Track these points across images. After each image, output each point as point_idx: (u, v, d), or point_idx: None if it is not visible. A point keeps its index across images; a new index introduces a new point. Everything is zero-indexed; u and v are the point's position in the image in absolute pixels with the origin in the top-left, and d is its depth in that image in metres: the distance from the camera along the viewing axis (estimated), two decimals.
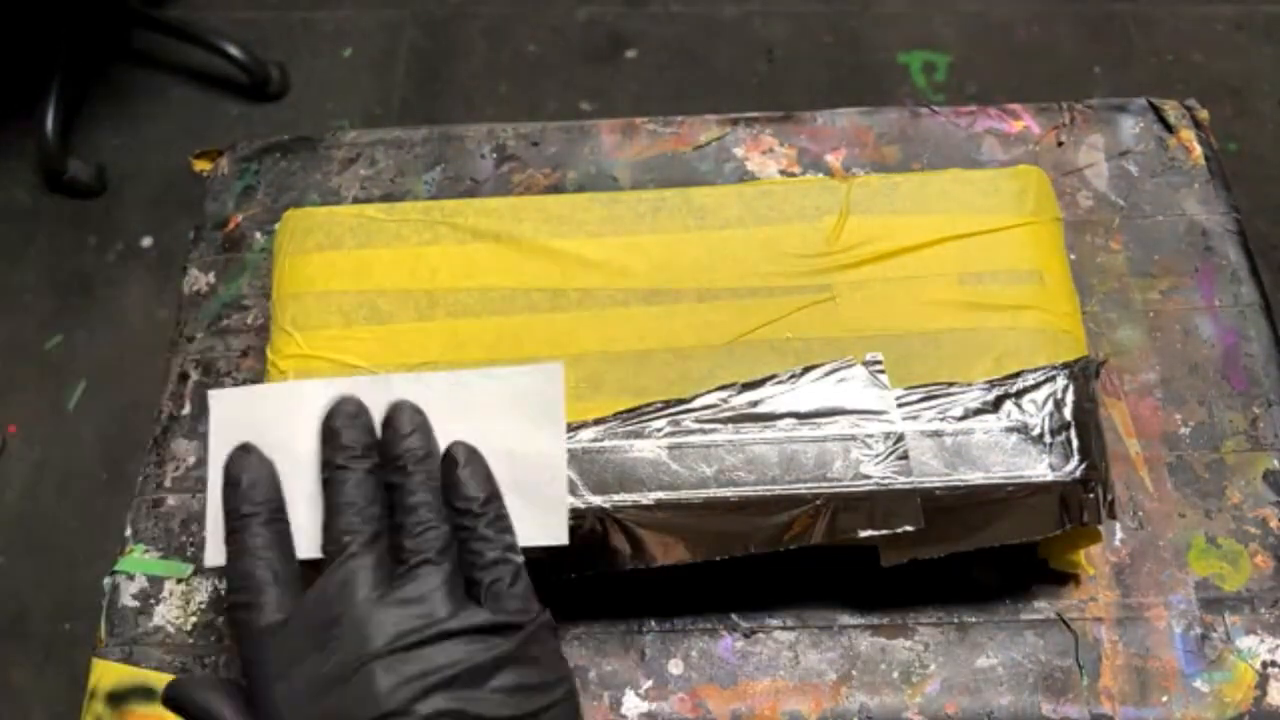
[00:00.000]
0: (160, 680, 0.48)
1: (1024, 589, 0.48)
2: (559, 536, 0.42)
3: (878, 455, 0.44)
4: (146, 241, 1.46)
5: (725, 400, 0.46)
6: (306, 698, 0.34)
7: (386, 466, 0.39)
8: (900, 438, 0.44)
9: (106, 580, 0.51)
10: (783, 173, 0.59)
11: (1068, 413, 0.45)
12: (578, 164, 0.61)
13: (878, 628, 0.48)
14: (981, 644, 0.48)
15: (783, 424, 0.45)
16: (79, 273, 1.44)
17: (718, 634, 0.48)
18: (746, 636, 0.48)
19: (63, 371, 1.37)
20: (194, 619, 0.50)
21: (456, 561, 0.37)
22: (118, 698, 0.48)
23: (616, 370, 0.47)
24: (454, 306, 0.49)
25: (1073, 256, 0.55)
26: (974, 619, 0.48)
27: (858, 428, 0.44)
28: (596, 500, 0.44)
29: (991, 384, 0.45)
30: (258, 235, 0.59)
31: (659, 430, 0.45)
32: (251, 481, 0.39)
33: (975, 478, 0.44)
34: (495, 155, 0.61)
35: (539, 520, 0.42)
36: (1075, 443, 0.44)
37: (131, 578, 0.51)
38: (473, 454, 0.40)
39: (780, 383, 0.46)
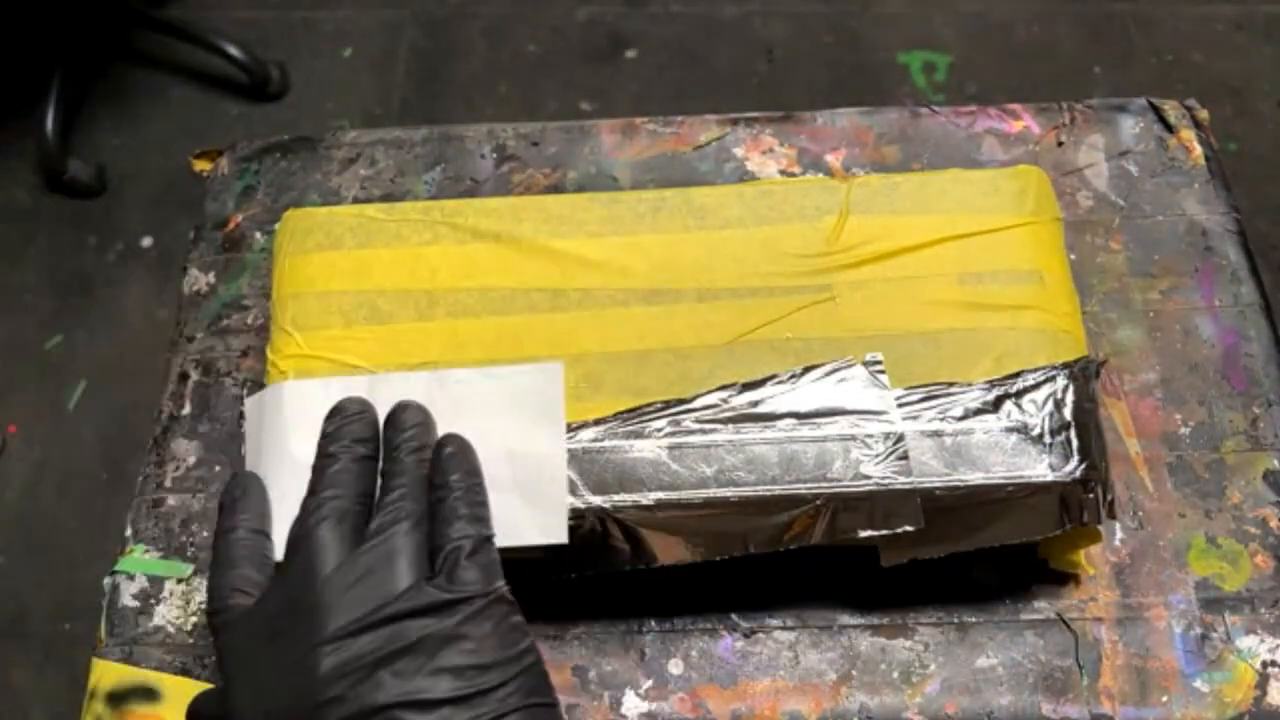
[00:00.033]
0: (160, 680, 0.48)
1: (1024, 589, 0.48)
2: (559, 536, 0.42)
3: (878, 455, 0.44)
4: (146, 241, 1.46)
5: (725, 400, 0.46)
6: (258, 688, 0.35)
7: (383, 459, 0.40)
8: (900, 438, 0.44)
9: (106, 580, 0.51)
10: (783, 173, 0.59)
11: (1068, 413, 0.45)
12: (578, 164, 0.61)
13: (878, 628, 0.48)
14: (981, 644, 0.48)
15: (783, 424, 0.45)
16: (79, 273, 1.44)
17: (718, 634, 0.48)
18: (746, 636, 0.48)
19: (63, 371, 1.37)
20: (194, 619, 0.50)
21: (425, 541, 0.37)
22: (118, 698, 0.48)
23: (616, 370, 0.47)
24: (454, 306, 0.49)
25: (1073, 256, 0.55)
26: (974, 619, 0.48)
27: (858, 428, 0.44)
28: (596, 500, 0.44)
29: (991, 384, 0.45)
30: (258, 235, 0.59)
31: (659, 430, 0.45)
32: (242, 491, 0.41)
33: (975, 478, 0.44)
34: (495, 155, 0.61)
35: (539, 520, 0.42)
36: (1075, 443, 0.44)
37: (131, 578, 0.51)
38: (462, 443, 0.41)
39: (780, 383, 0.46)
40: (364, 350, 0.48)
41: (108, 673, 0.48)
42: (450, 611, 0.35)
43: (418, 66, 1.56)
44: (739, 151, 0.60)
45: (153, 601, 0.50)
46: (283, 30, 1.60)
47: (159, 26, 1.54)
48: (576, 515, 0.43)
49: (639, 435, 0.45)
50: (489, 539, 0.38)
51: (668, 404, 0.46)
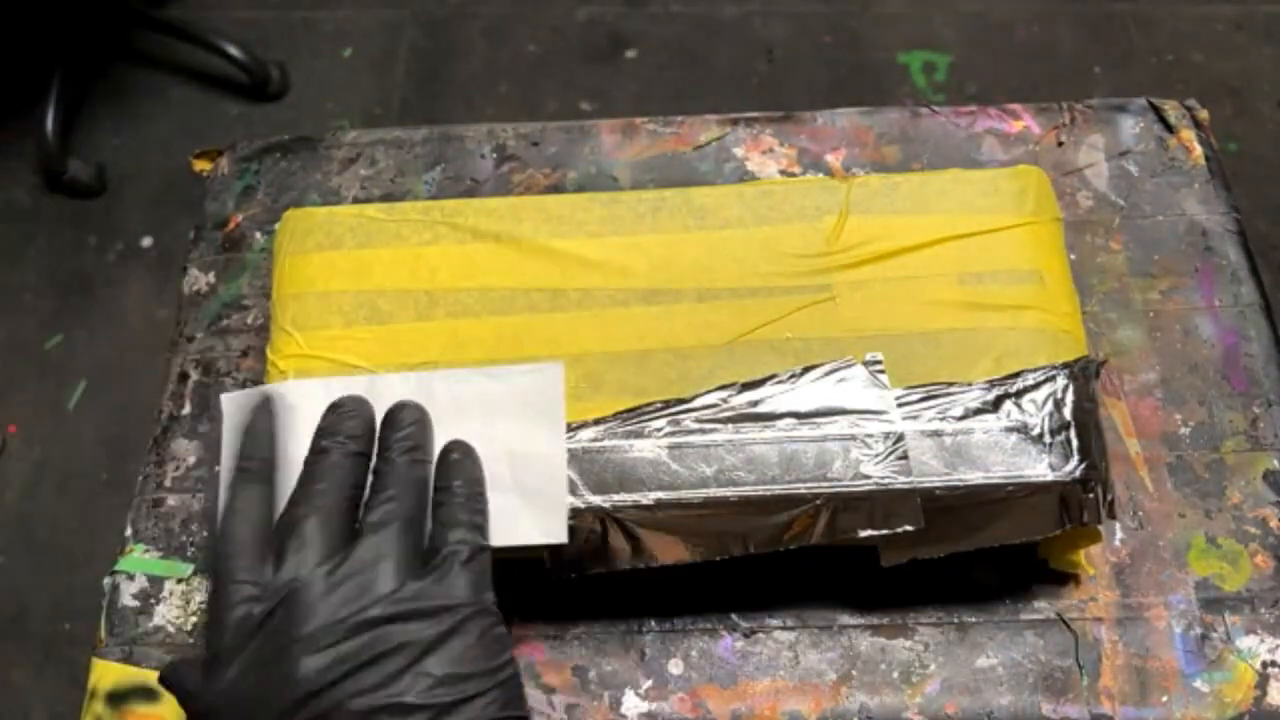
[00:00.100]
0: None
1: (1024, 589, 0.48)
2: (559, 536, 0.42)
3: (878, 455, 0.44)
4: (146, 241, 1.46)
5: (725, 400, 0.46)
6: (236, 678, 0.34)
7: (376, 458, 0.40)
8: (900, 438, 0.44)
9: (106, 580, 0.51)
10: (783, 173, 0.59)
11: (1068, 413, 0.45)
12: (578, 164, 0.61)
13: (878, 628, 0.48)
14: (981, 644, 0.48)
15: (783, 424, 0.45)
16: (79, 273, 1.44)
17: (718, 634, 0.48)
18: (746, 636, 0.48)
19: (63, 371, 1.37)
20: (194, 619, 0.50)
21: (418, 541, 0.37)
22: (118, 698, 0.48)
23: (616, 370, 0.47)
24: (454, 306, 0.49)
25: (1073, 256, 0.55)
26: (974, 619, 0.48)
27: (858, 428, 0.44)
28: (596, 500, 0.44)
29: (991, 384, 0.45)
30: (258, 235, 0.59)
31: (659, 430, 0.45)
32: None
33: (975, 478, 0.44)
34: (495, 155, 0.61)
35: (539, 520, 0.42)
36: (1075, 443, 0.44)
37: (131, 578, 0.51)
38: (468, 450, 0.41)
39: (780, 383, 0.46)
40: (364, 350, 0.48)
41: (108, 673, 0.49)
42: (435, 619, 0.35)
43: (418, 66, 1.56)
44: (739, 151, 0.60)
45: (153, 601, 0.50)
46: (283, 30, 1.60)
47: (159, 26, 1.54)
48: (576, 515, 0.43)
49: (639, 435, 0.45)
50: (484, 549, 0.38)
51: (668, 404, 0.46)
